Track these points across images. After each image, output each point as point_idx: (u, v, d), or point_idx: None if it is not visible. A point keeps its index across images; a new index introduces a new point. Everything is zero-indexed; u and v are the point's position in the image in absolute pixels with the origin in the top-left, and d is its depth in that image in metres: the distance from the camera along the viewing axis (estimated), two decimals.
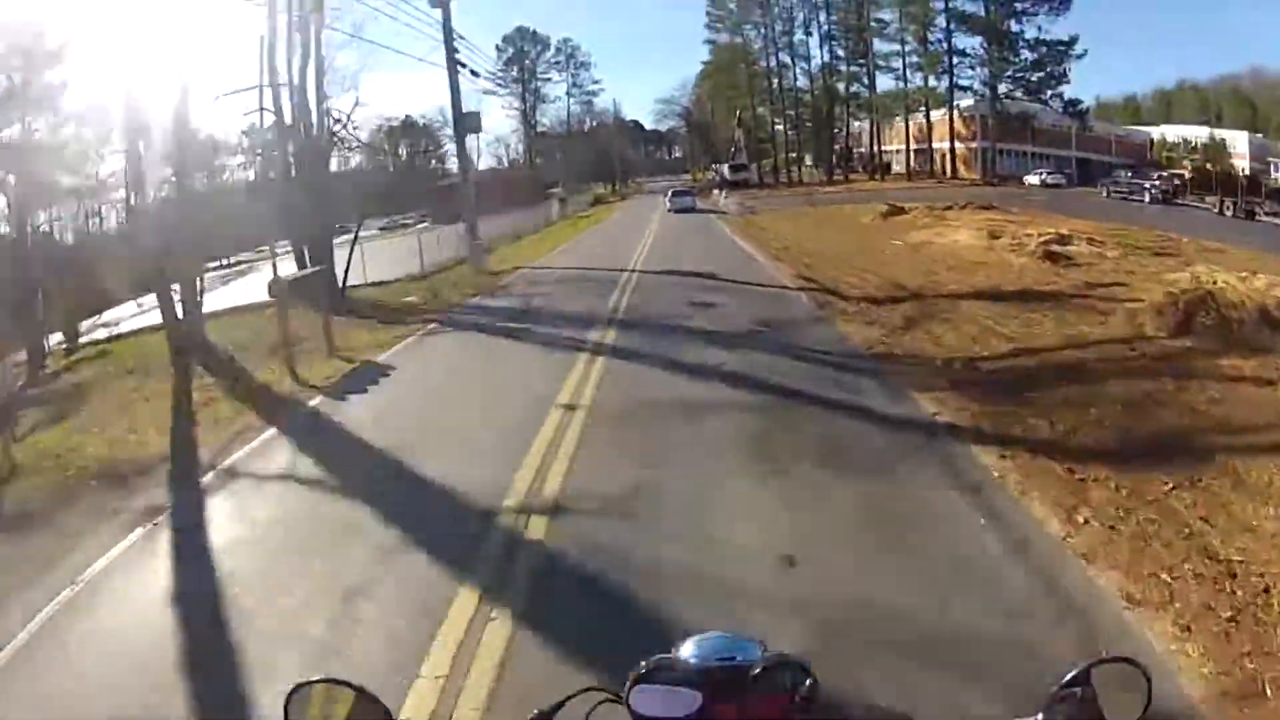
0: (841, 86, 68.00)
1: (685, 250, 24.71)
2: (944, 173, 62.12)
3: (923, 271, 17.86)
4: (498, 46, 79.44)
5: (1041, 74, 59.42)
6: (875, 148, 64.65)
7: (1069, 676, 1.08)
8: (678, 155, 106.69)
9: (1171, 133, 58.27)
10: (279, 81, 22.79)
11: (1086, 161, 57.42)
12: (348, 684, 1.15)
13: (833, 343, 11.20)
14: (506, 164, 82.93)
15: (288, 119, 23.26)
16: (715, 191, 53.75)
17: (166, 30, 18.41)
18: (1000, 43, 59.53)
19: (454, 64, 24.95)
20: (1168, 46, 48.35)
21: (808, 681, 1.04)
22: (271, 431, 8.99)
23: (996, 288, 15.13)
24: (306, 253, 22.35)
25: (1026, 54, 59.12)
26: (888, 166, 66.11)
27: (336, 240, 24.01)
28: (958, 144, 62.14)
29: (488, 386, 10.43)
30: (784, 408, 8.27)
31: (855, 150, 68.60)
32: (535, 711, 1.15)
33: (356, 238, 23.31)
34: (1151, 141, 60.34)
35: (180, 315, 15.02)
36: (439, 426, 8.81)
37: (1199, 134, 56.24)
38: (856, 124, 68.64)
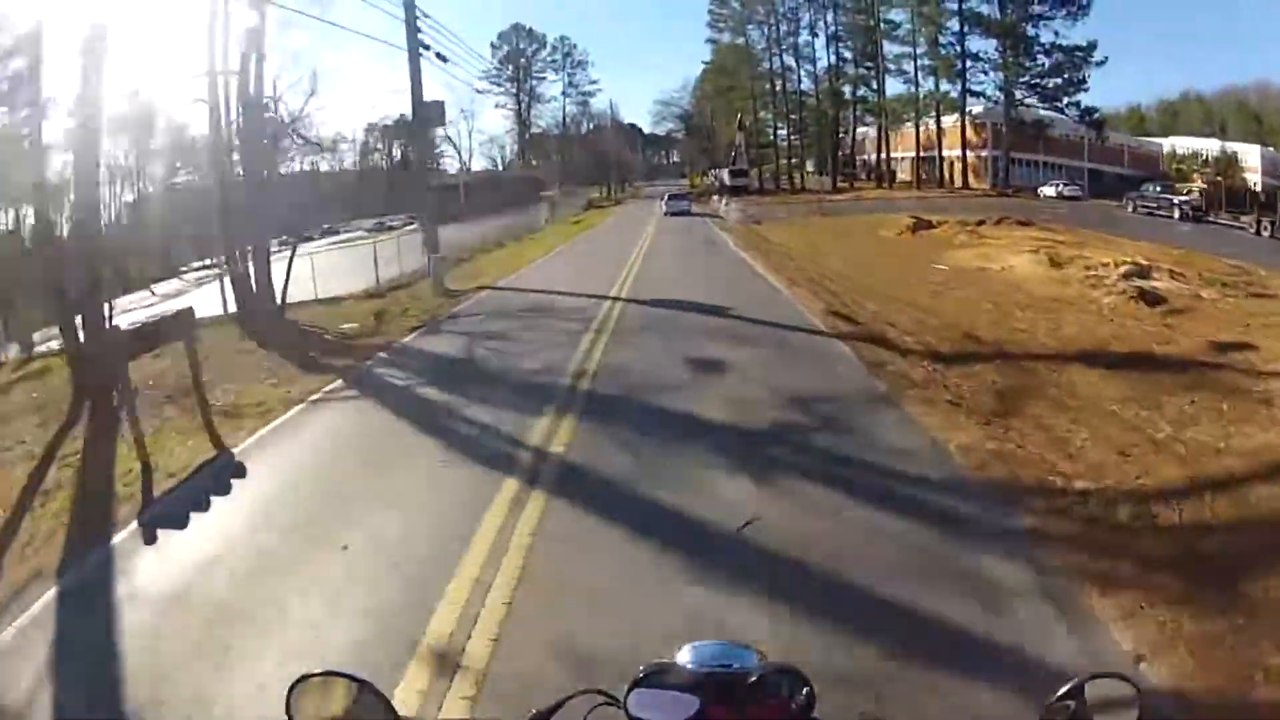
0: (847, 90, 64.39)
1: (683, 270, 20.27)
2: (951, 182, 58.36)
3: (990, 310, 13.78)
4: (492, 44, 75.37)
5: (1059, 80, 55.71)
6: (885, 154, 60.67)
7: (1061, 692, 1.04)
8: (676, 160, 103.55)
9: (1180, 144, 55.75)
10: (221, 69, 19.14)
11: (1098, 173, 53.83)
12: (350, 676, 1.13)
13: (921, 458, 6.63)
14: (501, 165, 79.29)
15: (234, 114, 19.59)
16: (715, 198, 49.36)
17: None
18: (1017, 47, 55.67)
19: (415, 45, 20.99)
20: (1172, 57, 46.16)
21: (804, 690, 1.01)
22: None
23: (1103, 346, 11.00)
24: (251, 264, 18.77)
25: (1043, 59, 55.80)
26: (893, 174, 62.38)
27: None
28: (967, 152, 58.45)
29: (306, 579, 5.14)
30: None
31: (859, 157, 64.88)
32: (533, 711, 1.12)
33: (295, 251, 19.93)
34: (1162, 154, 58.44)
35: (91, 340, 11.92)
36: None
37: (1209, 146, 53.67)
38: (861, 130, 65.06)
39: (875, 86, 61.44)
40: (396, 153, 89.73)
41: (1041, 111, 56.16)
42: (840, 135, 64.53)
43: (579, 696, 1.14)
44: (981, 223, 24.79)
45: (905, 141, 62.19)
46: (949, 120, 58.79)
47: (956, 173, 58.54)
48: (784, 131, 65.80)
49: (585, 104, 74.36)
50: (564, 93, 76.02)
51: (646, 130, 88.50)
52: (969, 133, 57.92)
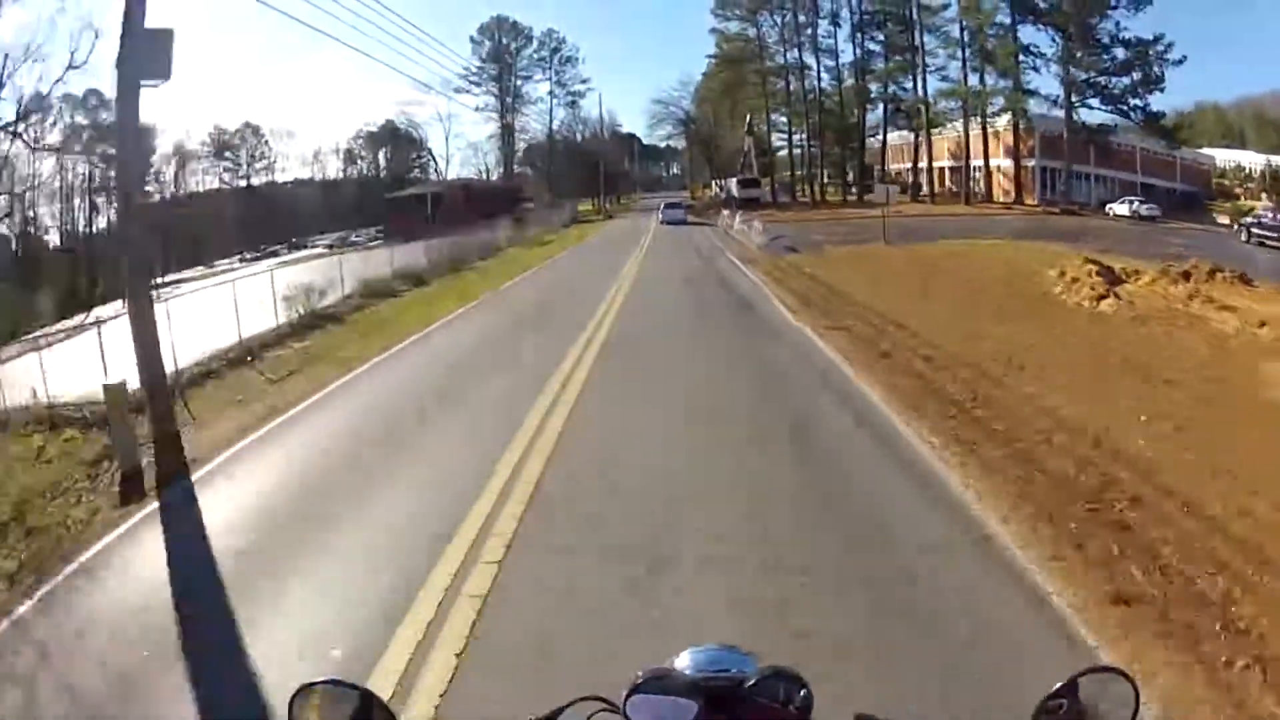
0: (875, 89, 53.48)
1: (695, 385, 8.63)
2: (989, 195, 47.56)
3: None
4: (472, 38, 64.13)
5: (1128, 79, 44.90)
6: (927, 162, 49.52)
7: (1056, 688, 1.03)
8: (676, 173, 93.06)
9: (1221, 157, 49.04)
10: None
11: (1150, 187, 43.66)
12: (353, 686, 1.08)
13: None
14: (487, 175, 68.42)
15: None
16: (725, 213, 37.97)
17: None
18: (1079, 39, 44.80)
19: None
20: (1185, 67, 41.36)
21: (802, 693, 0.99)
22: None
23: None
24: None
25: (1111, 54, 44.72)
26: (918, 187, 51.73)
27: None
28: (1005, 161, 47.59)
29: None
30: None
31: (878, 168, 53.82)
32: (531, 718, 1.08)
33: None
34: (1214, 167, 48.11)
35: None
36: None
37: (1253, 160, 47.42)
38: (880, 138, 54.20)
39: (909, 84, 50.62)
40: (382, 161, 79.43)
41: (1099, 115, 45.77)
42: (863, 140, 53.66)
43: (577, 703, 1.09)
44: (1188, 275, 13.86)
45: (935, 150, 51.60)
46: (1000, 124, 48.08)
47: (996, 185, 47.88)
48: (798, 136, 54.98)
49: (575, 105, 63.28)
50: (551, 93, 64.95)
51: (644, 140, 78.36)
52: (1011, 139, 47.24)
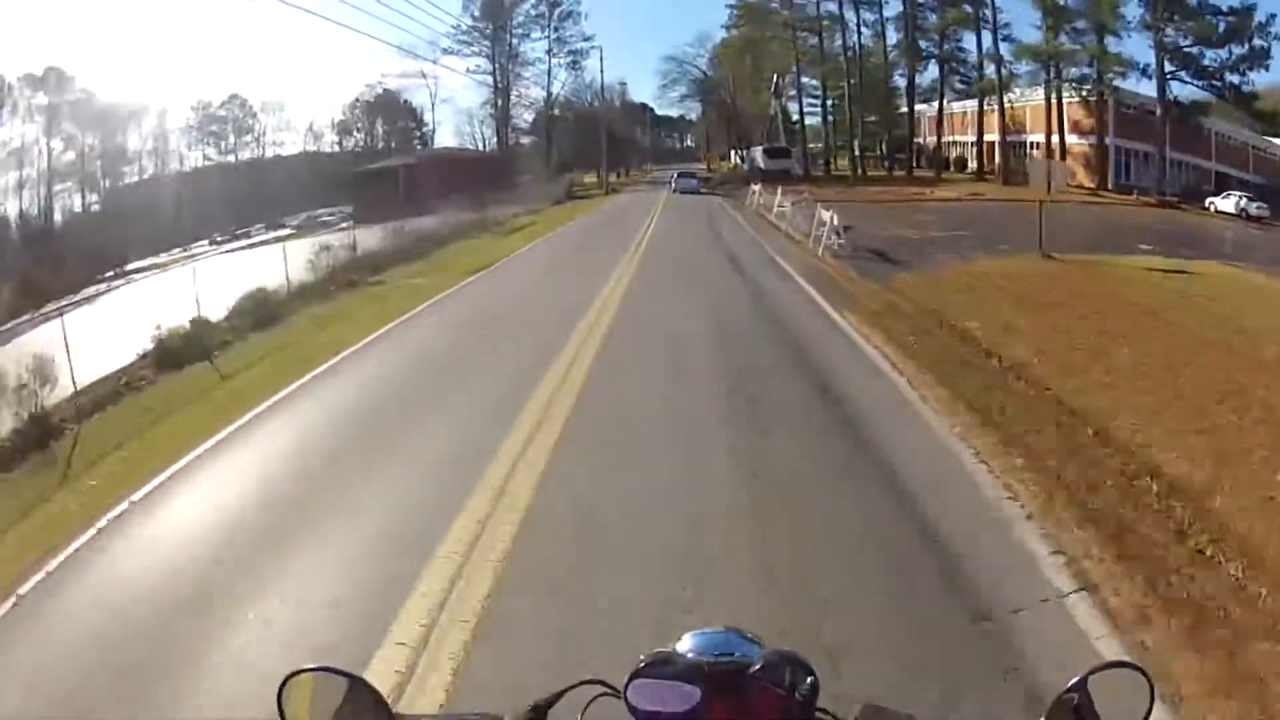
0: (924, 45, 44.01)
1: None
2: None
3: None
4: None
5: (1228, 51, 35.44)
6: (1000, 136, 39.97)
7: (1070, 683, 0.96)
8: (690, 144, 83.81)
9: None
10: None
11: (1223, 176, 34.37)
12: (343, 672, 1.02)
13: None
14: (483, 145, 59.53)
15: None
16: (754, 188, 28.60)
17: None
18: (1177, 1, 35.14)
19: None
20: None
21: (808, 679, 0.94)
22: None
23: None
24: None
25: (1206, 21, 35.15)
26: (946, 162, 42.51)
27: None
28: (1073, 139, 38.27)
29: None
30: None
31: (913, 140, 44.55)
32: (532, 703, 1.04)
33: None
34: None
35: None
36: None
37: None
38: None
39: (965, 43, 41.22)
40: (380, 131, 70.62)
41: (1183, 90, 36.08)
42: (909, 107, 44.21)
43: (579, 687, 1.03)
44: None
45: (984, 122, 42.32)
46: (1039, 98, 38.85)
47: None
48: (829, 102, 45.55)
49: (576, 65, 53.89)
50: (549, 51, 55.56)
51: (657, 108, 69.02)
52: (1080, 113, 37.95)
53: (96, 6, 58.06)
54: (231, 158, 62.62)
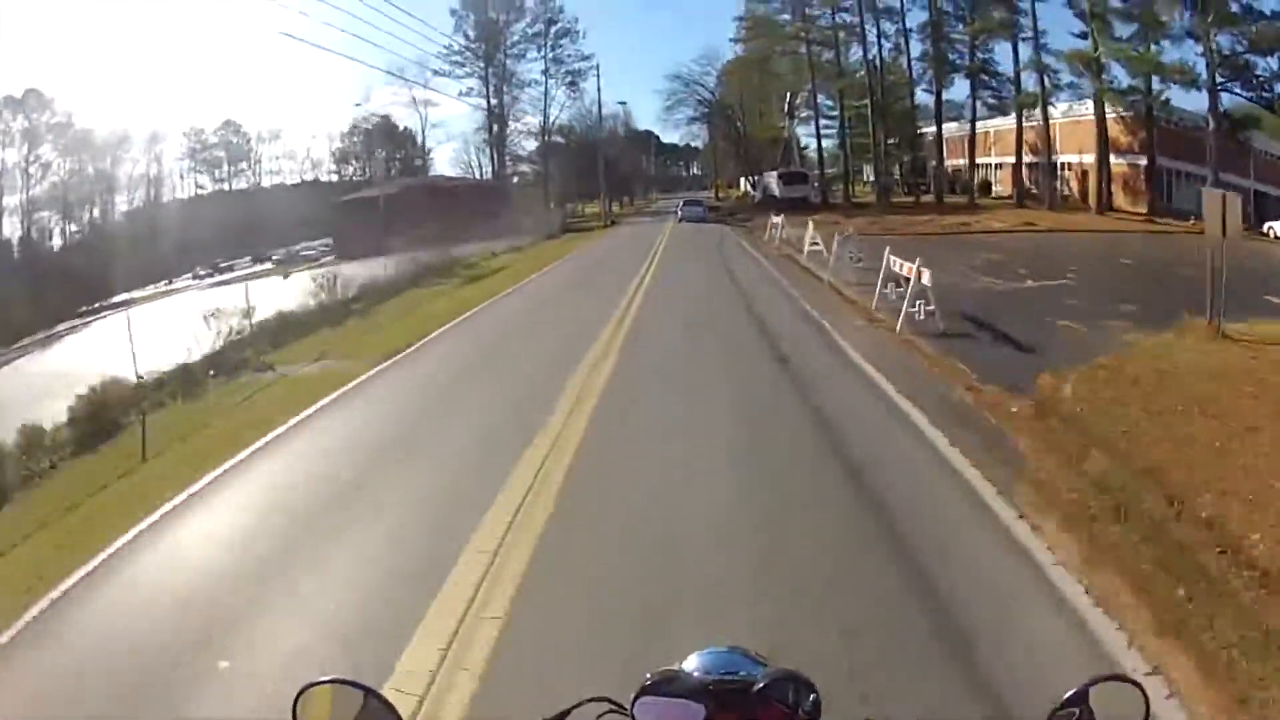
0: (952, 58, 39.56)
1: None
2: (1084, 199, 33.39)
3: None
4: (453, 10, 51.27)
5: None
6: (1048, 155, 35.30)
7: (1067, 696, 0.96)
8: (697, 173, 79.90)
9: None
10: None
11: (1263, 197, 29.66)
12: (357, 684, 1.01)
13: None
14: (481, 172, 55.51)
15: None
16: (775, 219, 23.65)
17: None
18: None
19: None
20: None
21: (811, 697, 0.94)
22: None
23: None
24: None
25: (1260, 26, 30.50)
26: (985, 186, 37.96)
27: None
28: (1088, 157, 33.50)
29: None
30: None
31: (929, 163, 40.04)
32: (540, 718, 1.01)
33: None
34: None
35: None
36: None
37: None
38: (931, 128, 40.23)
39: (1013, 52, 36.53)
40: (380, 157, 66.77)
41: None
42: (937, 124, 39.62)
43: (585, 704, 1.02)
44: None
45: (1001, 141, 37.76)
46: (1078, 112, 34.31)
47: (1093, 187, 33.72)
48: (831, 123, 41.03)
49: (574, 85, 49.78)
50: (545, 72, 51.52)
51: (659, 132, 65.11)
52: (1111, 131, 33.30)
53: (83, 32, 54.75)
54: (226, 186, 59.12)
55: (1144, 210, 31.28)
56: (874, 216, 28.90)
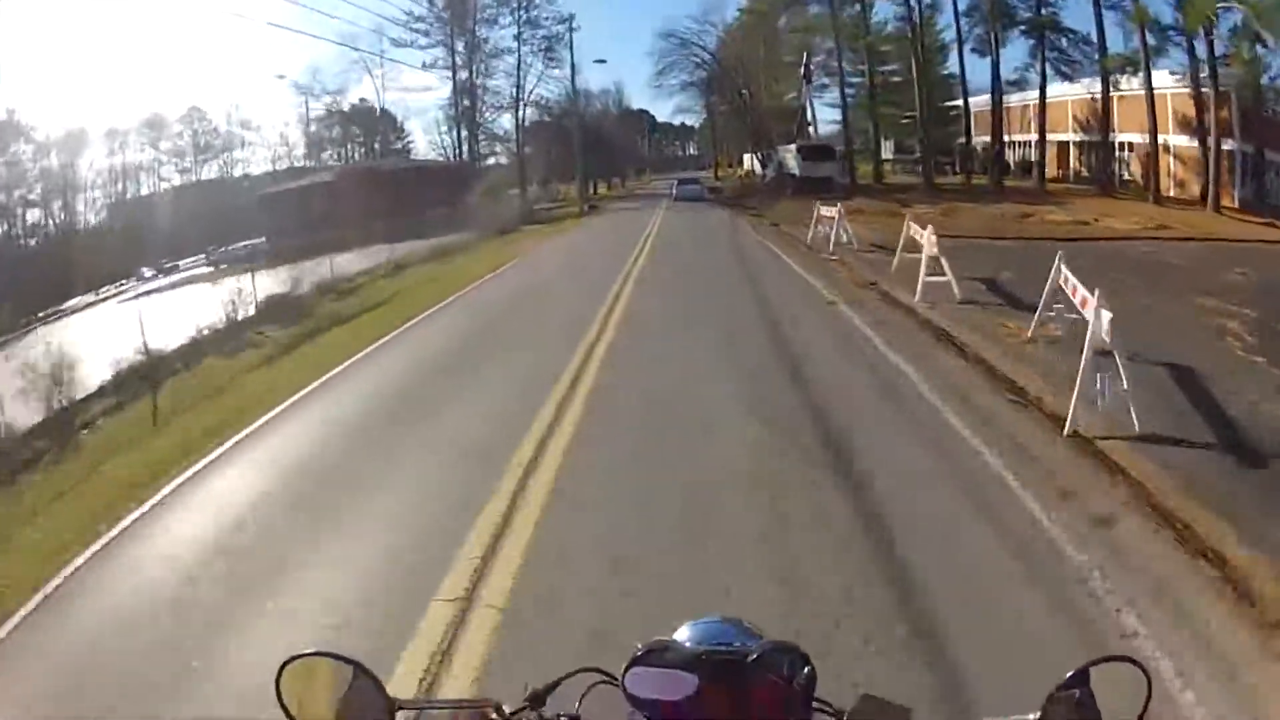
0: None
1: None
2: (1154, 187, 25.03)
3: None
4: None
5: None
6: (1109, 137, 26.64)
7: (1067, 676, 0.91)
8: (694, 153, 72.15)
9: None
10: None
11: None
12: (341, 658, 0.96)
13: None
14: (458, 154, 47.61)
15: None
16: (823, 212, 14.09)
17: None
18: None
19: None
20: None
21: (805, 669, 0.91)
22: None
23: None
24: None
25: None
26: (1027, 167, 30.09)
27: None
28: (1180, 139, 25.38)
29: None
30: None
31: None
32: (529, 690, 0.99)
33: None
34: None
35: None
36: None
37: None
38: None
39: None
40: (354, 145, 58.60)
41: None
42: (996, 94, 31.48)
43: (576, 675, 1.00)
44: None
45: (1051, 116, 29.77)
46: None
47: (1157, 170, 25.73)
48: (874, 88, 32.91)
49: (551, 52, 41.63)
50: (518, 36, 43.35)
51: (653, 107, 57.54)
52: (1178, 108, 25.30)
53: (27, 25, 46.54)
54: (193, 177, 51.27)
55: (1232, 205, 23.52)
56: (930, 204, 21.06)
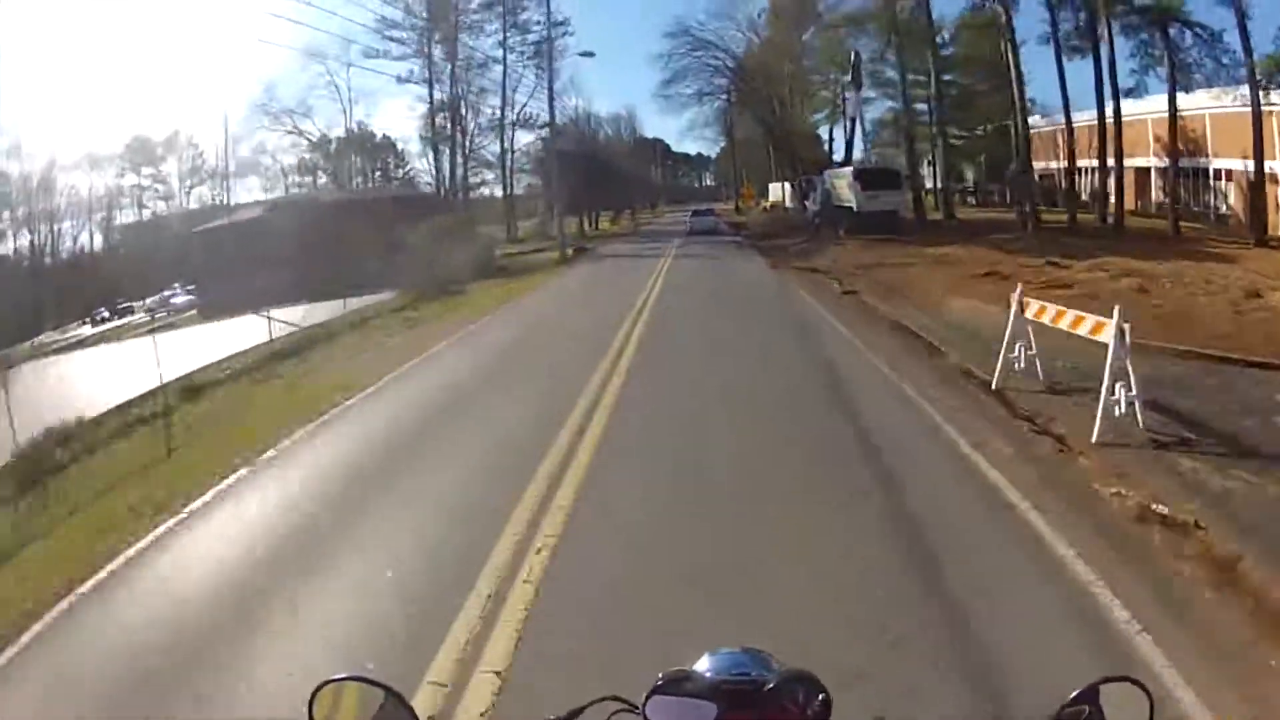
0: None
1: None
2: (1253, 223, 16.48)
3: None
4: None
5: None
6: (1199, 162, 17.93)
7: (1073, 695, 0.91)
8: (710, 184, 65.40)
9: None
10: None
11: None
12: (374, 682, 0.94)
13: None
14: (452, 181, 40.91)
15: None
16: (1017, 352, 5.68)
17: None
18: None
19: None
20: None
21: (820, 697, 0.91)
22: None
23: None
24: None
25: None
26: (1101, 198, 22.09)
27: None
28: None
29: None
30: None
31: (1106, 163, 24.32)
32: (550, 718, 0.96)
33: None
34: None
35: None
36: None
37: None
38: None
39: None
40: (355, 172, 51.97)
41: None
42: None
43: (597, 704, 0.98)
44: None
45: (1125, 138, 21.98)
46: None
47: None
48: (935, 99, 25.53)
49: (535, 54, 34.42)
50: (504, 44, 36.44)
51: (669, 137, 50.71)
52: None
53: None
54: (179, 204, 45.03)
55: None
56: (1060, 258, 13.26)
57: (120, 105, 47.66)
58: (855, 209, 19.04)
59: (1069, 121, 22.28)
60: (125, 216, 42.07)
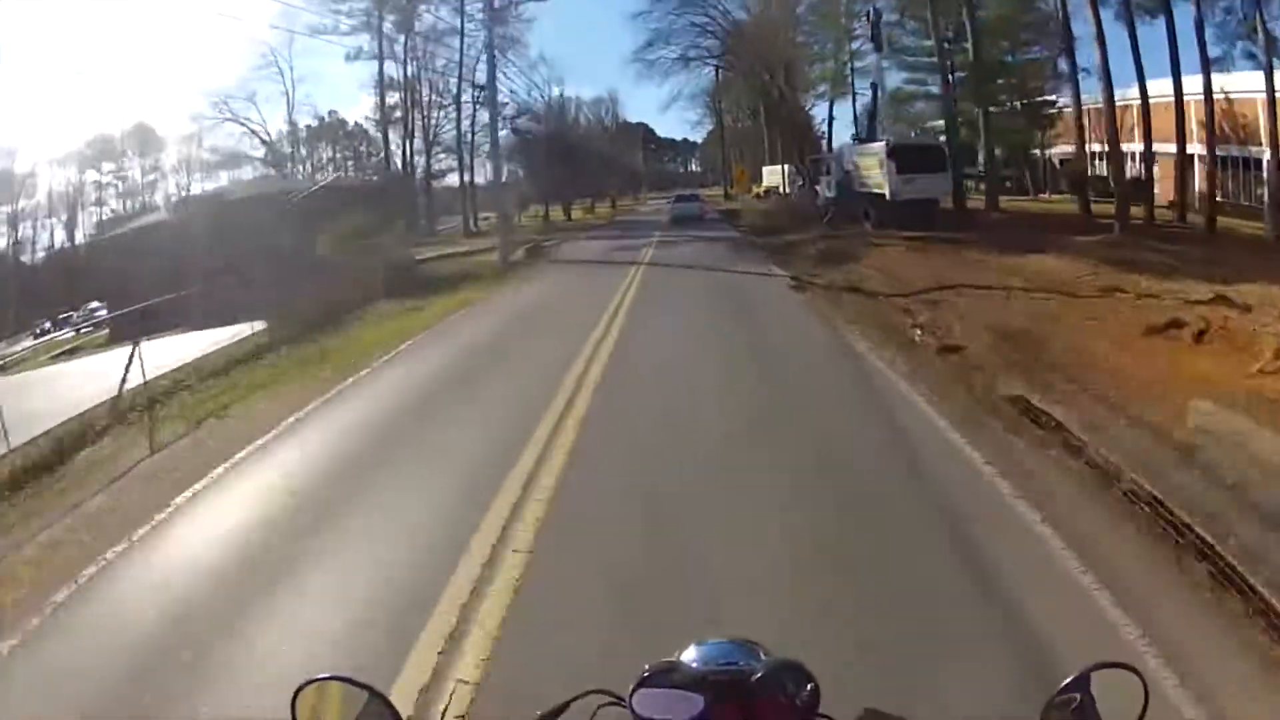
0: None
1: None
2: None
3: None
4: None
5: None
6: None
7: (1066, 682, 0.90)
8: (696, 169, 61.01)
9: None
10: None
11: None
12: (356, 682, 0.94)
13: None
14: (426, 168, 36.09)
15: None
16: None
17: None
18: None
19: None
20: None
21: (808, 686, 0.90)
22: None
23: None
24: None
25: None
26: (1136, 184, 17.42)
27: None
28: None
29: None
30: None
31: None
32: (538, 714, 0.97)
33: None
34: None
35: None
36: None
37: None
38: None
39: None
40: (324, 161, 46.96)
41: None
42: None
43: (584, 697, 0.98)
44: None
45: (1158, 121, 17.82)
46: None
47: None
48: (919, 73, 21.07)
49: (490, 29, 29.50)
50: (461, 10, 31.35)
51: (652, 116, 46.53)
52: None
53: None
54: (114, 206, 40.58)
55: None
56: (1170, 267, 8.70)
57: (82, 99, 43.00)
58: (888, 196, 14.37)
59: (1144, 95, 17.59)
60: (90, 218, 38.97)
